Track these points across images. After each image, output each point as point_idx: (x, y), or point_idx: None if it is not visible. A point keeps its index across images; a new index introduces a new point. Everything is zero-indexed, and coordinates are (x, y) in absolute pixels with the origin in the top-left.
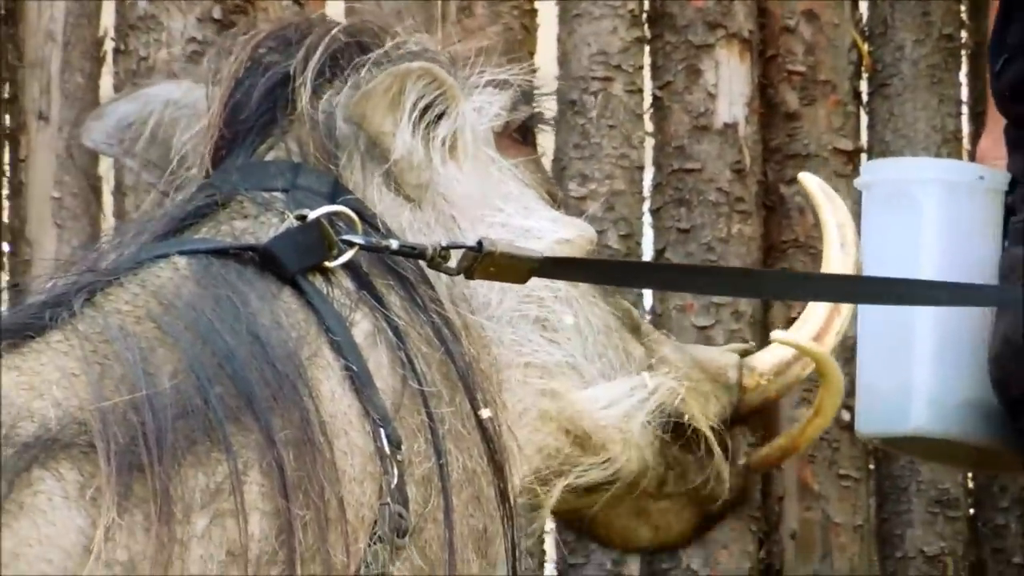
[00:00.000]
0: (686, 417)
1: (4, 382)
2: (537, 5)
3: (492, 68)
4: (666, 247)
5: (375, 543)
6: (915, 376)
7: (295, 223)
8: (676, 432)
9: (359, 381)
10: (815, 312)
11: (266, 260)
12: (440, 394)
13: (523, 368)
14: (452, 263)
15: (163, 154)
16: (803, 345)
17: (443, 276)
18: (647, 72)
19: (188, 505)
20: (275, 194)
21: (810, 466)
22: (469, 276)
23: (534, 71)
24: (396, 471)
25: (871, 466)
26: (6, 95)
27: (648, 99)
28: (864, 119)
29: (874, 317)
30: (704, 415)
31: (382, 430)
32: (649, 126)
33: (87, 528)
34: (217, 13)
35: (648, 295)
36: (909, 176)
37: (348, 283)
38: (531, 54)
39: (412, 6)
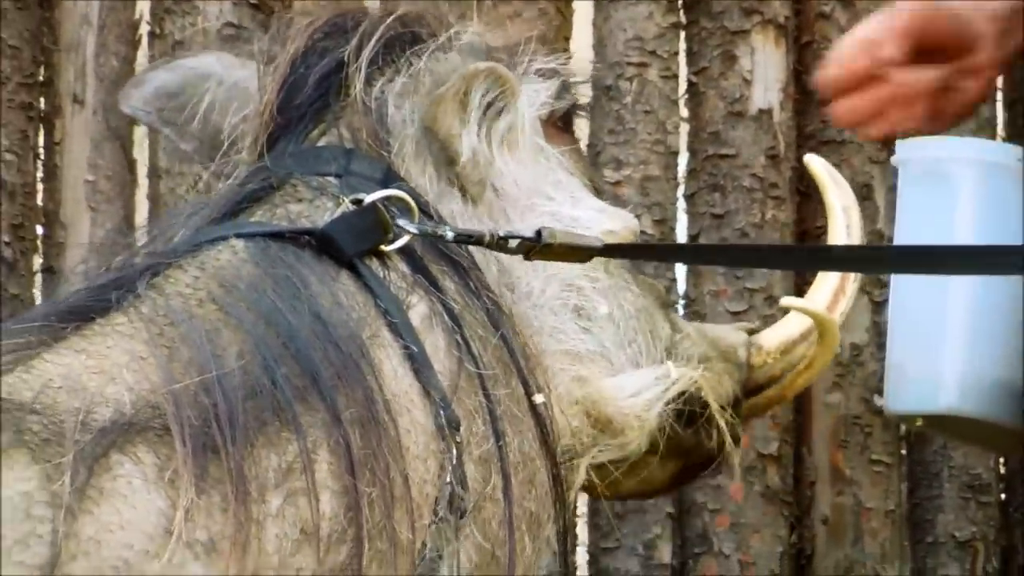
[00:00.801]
0: (700, 401)
1: (74, 365)
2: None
3: (539, 56)
4: (700, 232)
5: (437, 521)
6: (947, 355)
7: (351, 207)
8: (686, 412)
9: (418, 362)
10: (820, 290)
11: (323, 243)
12: (497, 377)
13: (560, 355)
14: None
15: (203, 128)
16: (805, 306)
17: (492, 264)
18: (682, 58)
19: (262, 485)
20: (328, 179)
21: (842, 451)
22: (528, 258)
23: (570, 59)
24: (455, 451)
25: (903, 451)
26: (41, 78)
27: (683, 85)
28: None
29: (906, 295)
30: (717, 398)
31: (441, 410)
32: (684, 112)
33: (167, 510)
34: None
35: (681, 281)
36: (945, 155)
37: (403, 267)
38: (567, 39)
39: None
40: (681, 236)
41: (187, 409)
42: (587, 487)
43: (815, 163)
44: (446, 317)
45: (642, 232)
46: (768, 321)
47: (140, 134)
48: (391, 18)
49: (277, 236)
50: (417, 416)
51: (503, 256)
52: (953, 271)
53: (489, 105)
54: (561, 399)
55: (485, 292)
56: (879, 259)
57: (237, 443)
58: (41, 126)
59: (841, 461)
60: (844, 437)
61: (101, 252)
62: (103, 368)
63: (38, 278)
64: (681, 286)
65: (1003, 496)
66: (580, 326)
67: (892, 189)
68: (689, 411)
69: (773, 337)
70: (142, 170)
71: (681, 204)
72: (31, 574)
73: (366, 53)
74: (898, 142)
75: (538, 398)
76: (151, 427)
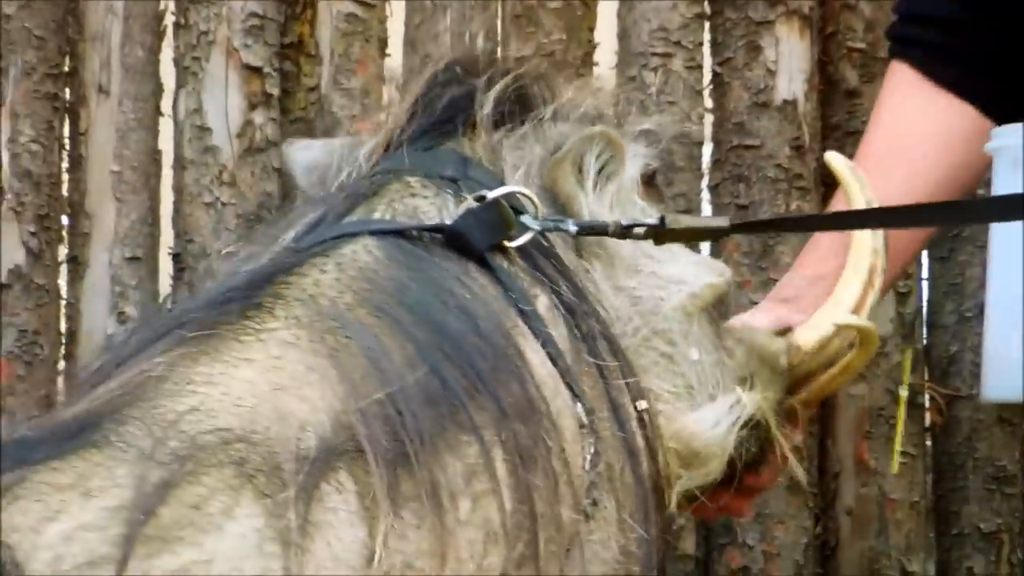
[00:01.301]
0: (759, 416)
1: (252, 379)
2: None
3: (633, 115)
4: None
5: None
6: None
7: (474, 204)
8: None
9: (553, 349)
10: (848, 289)
11: (452, 239)
12: (612, 369)
13: (649, 395)
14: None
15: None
16: (852, 322)
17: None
18: (707, 48)
19: (452, 493)
20: (446, 181)
21: (867, 442)
22: (658, 241)
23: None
24: (593, 437)
25: (928, 442)
26: (67, 68)
27: (708, 75)
28: None
29: (1002, 281)
30: (772, 411)
31: (578, 397)
32: (708, 102)
33: (367, 539)
34: None
35: None
36: None
37: (523, 263)
38: (591, 30)
39: None
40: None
41: (375, 425)
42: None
43: (836, 160)
44: (563, 309)
45: None
46: None
47: (166, 124)
48: (518, 70)
49: (405, 233)
50: (563, 402)
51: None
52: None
53: (601, 169)
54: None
55: (590, 296)
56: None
57: (425, 454)
58: (66, 116)
59: (866, 452)
60: (869, 428)
61: (241, 246)
62: (284, 384)
63: (63, 268)
64: None
65: None
66: (669, 369)
67: None
68: (753, 431)
69: (809, 336)
70: (167, 160)
71: (705, 195)
72: None
73: (494, 93)
74: (992, 129)
75: (641, 404)
76: (347, 450)
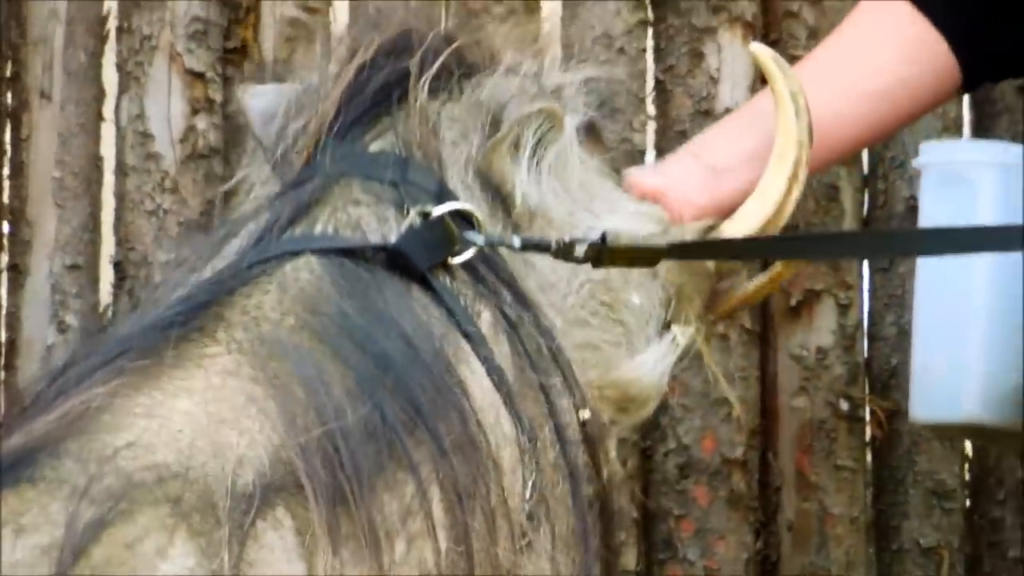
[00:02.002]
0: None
1: (192, 411)
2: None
3: (578, 66)
4: None
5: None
6: (969, 363)
7: (418, 220)
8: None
9: (496, 373)
10: (774, 181)
11: (395, 258)
12: (556, 386)
13: (586, 347)
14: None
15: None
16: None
17: (530, 270)
18: (650, 55)
19: (388, 533)
20: (386, 186)
21: (807, 456)
22: (596, 265)
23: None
24: (534, 462)
25: (868, 457)
26: (8, 73)
27: (651, 82)
28: None
29: (928, 303)
30: (695, 315)
31: (519, 420)
32: (651, 110)
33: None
34: None
35: None
36: (965, 158)
37: (467, 277)
38: (534, 36)
39: None
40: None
41: (315, 460)
42: None
43: (761, 51)
44: (506, 325)
45: None
46: (732, 323)
47: (107, 130)
48: (452, 43)
49: (349, 252)
50: (506, 428)
51: (535, 260)
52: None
53: (539, 140)
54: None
55: (532, 304)
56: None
57: (363, 492)
58: (7, 122)
59: (807, 467)
60: (810, 442)
61: (180, 261)
62: (224, 416)
63: (3, 276)
64: None
65: (968, 503)
66: (610, 318)
67: (859, 189)
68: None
69: (735, 230)
70: (109, 166)
71: None
72: None
73: (429, 70)
74: (920, 145)
75: (584, 413)
76: (285, 486)
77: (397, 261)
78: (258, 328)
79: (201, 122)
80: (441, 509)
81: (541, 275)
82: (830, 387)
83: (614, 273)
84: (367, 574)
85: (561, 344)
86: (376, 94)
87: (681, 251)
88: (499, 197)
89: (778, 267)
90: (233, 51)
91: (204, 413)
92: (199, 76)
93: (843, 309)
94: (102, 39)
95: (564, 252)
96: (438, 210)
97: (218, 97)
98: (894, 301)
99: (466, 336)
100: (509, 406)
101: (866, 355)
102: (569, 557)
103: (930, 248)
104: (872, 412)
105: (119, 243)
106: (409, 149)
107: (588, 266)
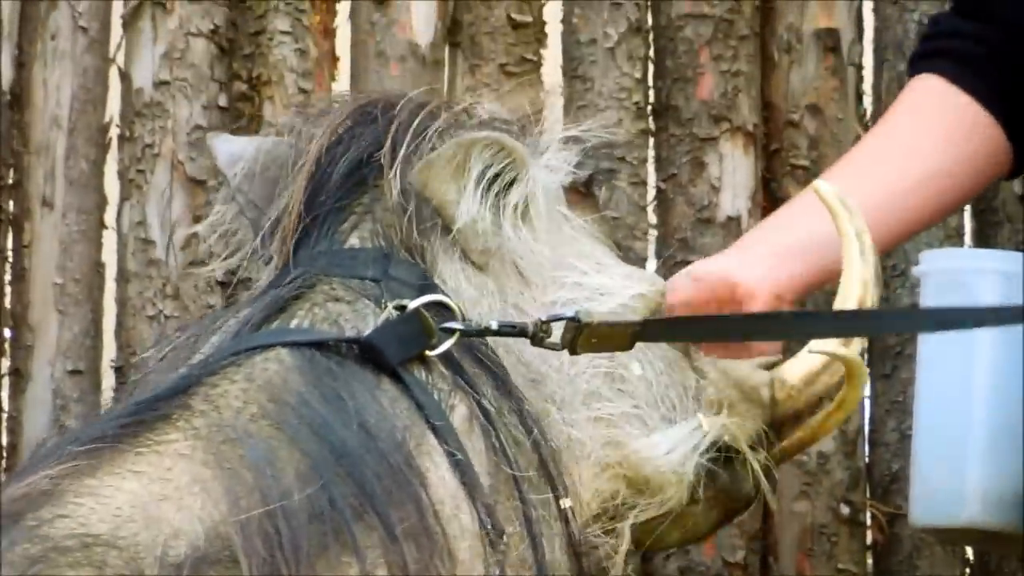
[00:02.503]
0: (731, 447)
1: (139, 492)
2: (541, 95)
3: (562, 125)
4: None
5: None
6: (969, 467)
7: (394, 313)
8: (721, 459)
9: (462, 466)
10: (849, 291)
11: (367, 351)
12: (532, 479)
13: (593, 422)
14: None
15: (266, 193)
16: (837, 352)
17: (517, 352)
18: (651, 164)
19: None
20: (367, 283)
21: (808, 560)
22: (573, 352)
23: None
24: (498, 557)
25: (869, 561)
26: (10, 180)
27: (652, 191)
28: None
29: (930, 407)
30: (747, 439)
31: (486, 514)
32: (652, 218)
33: None
34: (223, 101)
35: None
36: (965, 266)
37: (443, 369)
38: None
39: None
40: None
41: (254, 538)
42: (636, 542)
43: (825, 189)
44: (483, 419)
45: None
46: None
47: (109, 237)
48: (424, 109)
49: (321, 344)
50: (464, 521)
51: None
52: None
53: (496, 177)
54: (590, 460)
55: (516, 393)
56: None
57: (301, 571)
58: (10, 228)
59: (808, 570)
60: (811, 546)
61: (158, 358)
62: (168, 494)
63: (5, 381)
64: None
65: None
66: (614, 389)
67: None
68: (724, 457)
69: (796, 370)
70: (110, 272)
71: None
72: None
73: (404, 144)
74: (921, 253)
75: (565, 503)
76: (221, 560)
77: (369, 354)
78: (219, 415)
79: (203, 229)
80: None
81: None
82: (831, 492)
83: None
84: None
85: (547, 433)
86: (343, 181)
87: (658, 331)
88: (442, 226)
89: (842, 393)
90: None
91: (147, 492)
92: (200, 184)
93: None
94: (104, 147)
95: (541, 335)
96: (414, 303)
97: None
98: (896, 407)
99: (433, 429)
100: (473, 500)
101: (867, 460)
102: None
103: (934, 325)
104: (873, 516)
105: (120, 348)
106: (390, 242)
107: None
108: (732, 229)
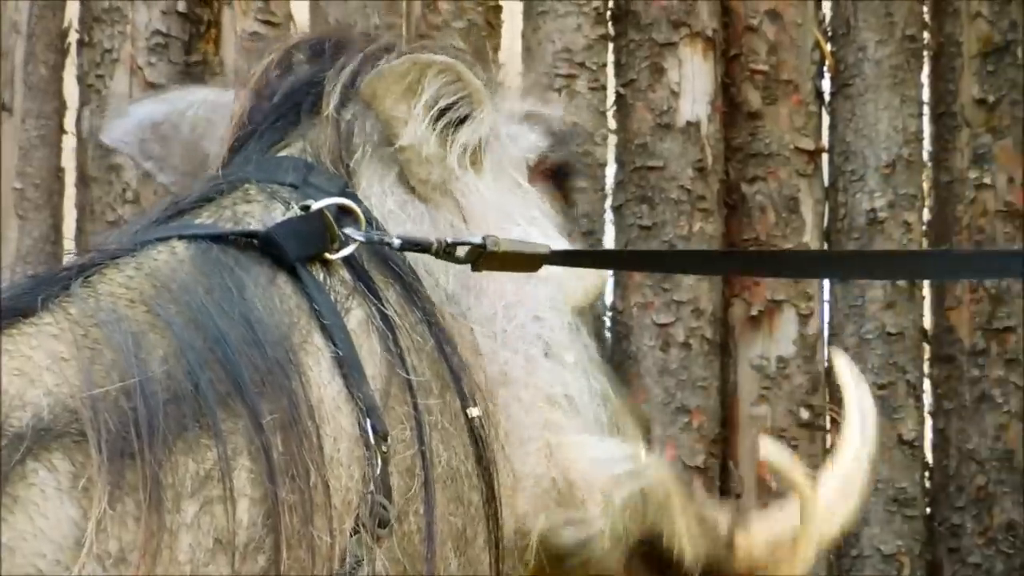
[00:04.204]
0: (665, 535)
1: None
2: (502, 2)
3: (531, 100)
4: (627, 244)
5: (359, 531)
6: None
7: (297, 212)
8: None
9: (347, 367)
10: (836, 472)
11: (266, 246)
12: (429, 386)
13: (532, 389)
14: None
15: (185, 154)
16: (794, 477)
17: (442, 284)
18: (611, 69)
19: (178, 493)
20: (284, 188)
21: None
22: (476, 268)
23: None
24: (380, 460)
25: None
26: None
27: (611, 96)
28: (826, 119)
29: None
30: (687, 545)
31: (367, 417)
32: (612, 123)
33: (80, 520)
34: (182, 7)
35: (609, 293)
36: None
37: (346, 274)
38: (495, 50)
39: (378, 5)
40: (608, 247)
41: (105, 414)
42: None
43: (840, 361)
44: (381, 323)
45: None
46: (694, 333)
47: (68, 142)
48: (373, 46)
49: (220, 238)
50: (343, 422)
51: (458, 278)
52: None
53: (448, 107)
54: (533, 442)
55: (427, 305)
56: (787, 263)
57: (155, 449)
58: None
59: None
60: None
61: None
62: (23, 369)
63: None
64: (608, 298)
65: (928, 510)
66: (552, 363)
67: (819, 202)
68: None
69: (762, 528)
70: (70, 178)
71: (609, 216)
72: None
73: (344, 74)
74: None
75: (473, 411)
76: (68, 432)
77: (268, 249)
78: (96, 301)
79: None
80: (246, 480)
81: (457, 288)
82: (791, 396)
83: (547, 314)
84: (147, 529)
85: (457, 349)
86: (285, 99)
87: (563, 257)
88: (384, 139)
89: (799, 532)
90: (194, 64)
91: (5, 368)
92: (160, 88)
93: (804, 319)
94: (63, 52)
95: (445, 252)
96: (317, 204)
97: None
98: (854, 311)
99: (322, 328)
100: (354, 400)
101: (826, 364)
102: (409, 556)
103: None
104: (833, 420)
105: (80, 253)
106: (317, 156)
107: (520, 302)
108: (691, 135)
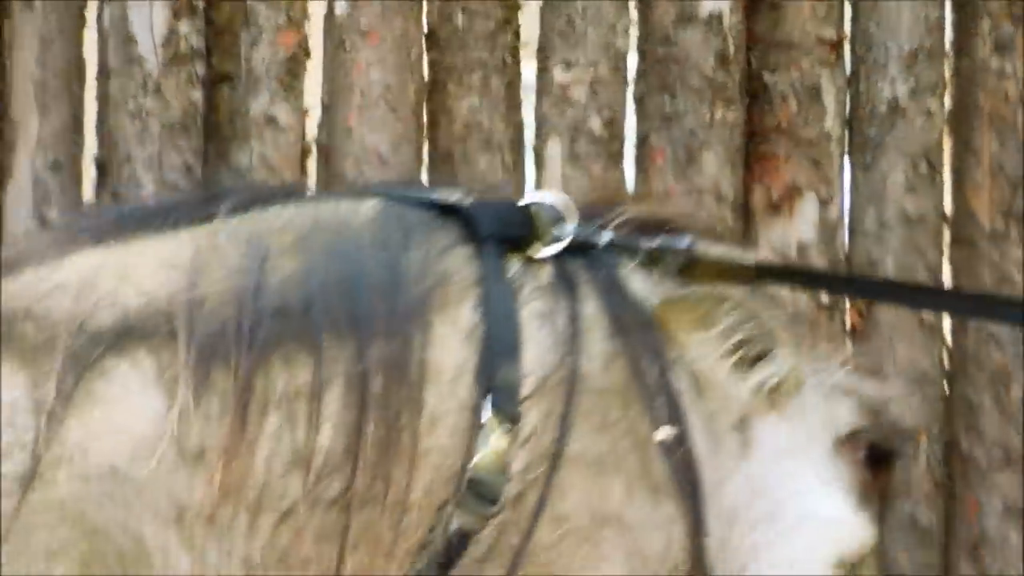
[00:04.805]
0: None
1: (95, 264)
2: None
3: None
4: (649, 133)
5: (459, 498)
6: None
7: (509, 203)
8: None
9: (492, 345)
10: None
11: (466, 222)
12: (608, 394)
13: None
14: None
15: None
16: None
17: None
18: None
19: (266, 401)
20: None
21: None
22: (682, 276)
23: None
24: (498, 440)
25: (848, 345)
26: None
27: None
28: (848, 9)
29: None
30: None
31: (496, 395)
32: (634, 15)
33: (162, 411)
34: None
35: (631, 181)
36: None
37: (546, 273)
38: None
39: None
40: (630, 136)
41: (201, 317)
42: None
43: None
44: (559, 323)
45: (591, 132)
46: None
47: (90, 34)
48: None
49: (421, 203)
50: (459, 390)
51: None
52: None
53: (743, 343)
54: None
55: (633, 310)
56: None
57: (249, 356)
58: None
59: None
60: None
61: None
62: (129, 274)
63: None
64: (630, 184)
65: (947, 388)
66: None
67: (841, 91)
68: None
69: None
70: (91, 70)
71: (630, 105)
72: (10, 486)
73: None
74: None
75: (659, 433)
76: (157, 333)
77: (465, 227)
78: (253, 224)
79: (184, 25)
80: (337, 407)
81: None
82: None
83: None
84: (231, 429)
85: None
86: None
87: (773, 273)
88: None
89: None
90: None
91: (107, 265)
92: None
93: (824, 204)
94: None
95: (653, 259)
96: (530, 198)
97: (200, 1)
98: (875, 196)
99: (483, 303)
100: (483, 380)
101: (847, 248)
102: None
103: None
104: (852, 302)
105: (101, 143)
106: None
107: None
108: (713, 25)
